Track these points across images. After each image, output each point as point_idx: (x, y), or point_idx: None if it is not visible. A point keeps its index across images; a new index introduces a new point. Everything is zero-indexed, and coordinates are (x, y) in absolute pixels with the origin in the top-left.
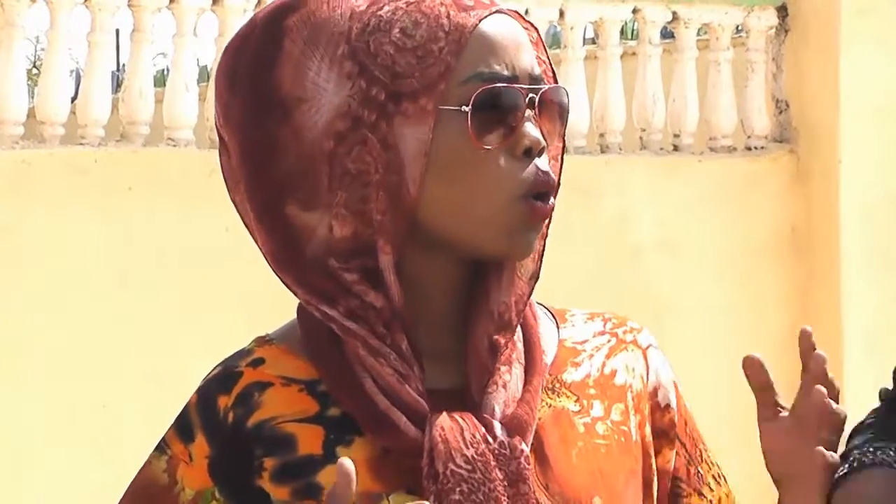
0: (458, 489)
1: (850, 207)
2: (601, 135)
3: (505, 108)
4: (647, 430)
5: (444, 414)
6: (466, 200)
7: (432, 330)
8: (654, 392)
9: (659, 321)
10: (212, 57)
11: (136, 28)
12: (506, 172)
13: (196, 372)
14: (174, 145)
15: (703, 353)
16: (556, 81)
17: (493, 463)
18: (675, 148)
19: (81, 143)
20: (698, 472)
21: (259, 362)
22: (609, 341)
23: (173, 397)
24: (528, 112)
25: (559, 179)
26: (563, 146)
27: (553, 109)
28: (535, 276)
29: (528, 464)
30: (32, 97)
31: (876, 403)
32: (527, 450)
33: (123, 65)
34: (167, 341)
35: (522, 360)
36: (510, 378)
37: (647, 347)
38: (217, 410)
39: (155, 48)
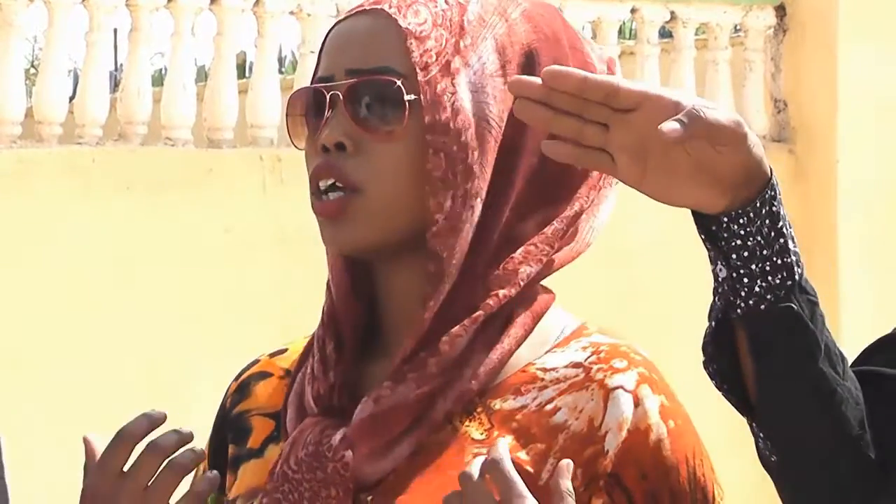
0: (280, 487)
1: (848, 206)
2: None
3: (307, 108)
4: (577, 473)
5: (315, 417)
6: None
7: (393, 335)
8: (603, 437)
9: (655, 321)
10: (209, 56)
11: (133, 27)
12: (310, 171)
13: (194, 371)
14: (172, 144)
15: (700, 353)
16: (439, 71)
17: (315, 464)
18: None
19: (79, 143)
20: None
21: (281, 352)
22: (576, 376)
23: (173, 396)
24: (338, 109)
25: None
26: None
27: (367, 102)
28: (452, 280)
29: (346, 469)
30: (30, 97)
31: None
32: (348, 456)
33: (121, 64)
34: (166, 341)
35: (421, 378)
36: (388, 394)
37: (614, 389)
38: (227, 395)
39: (153, 48)
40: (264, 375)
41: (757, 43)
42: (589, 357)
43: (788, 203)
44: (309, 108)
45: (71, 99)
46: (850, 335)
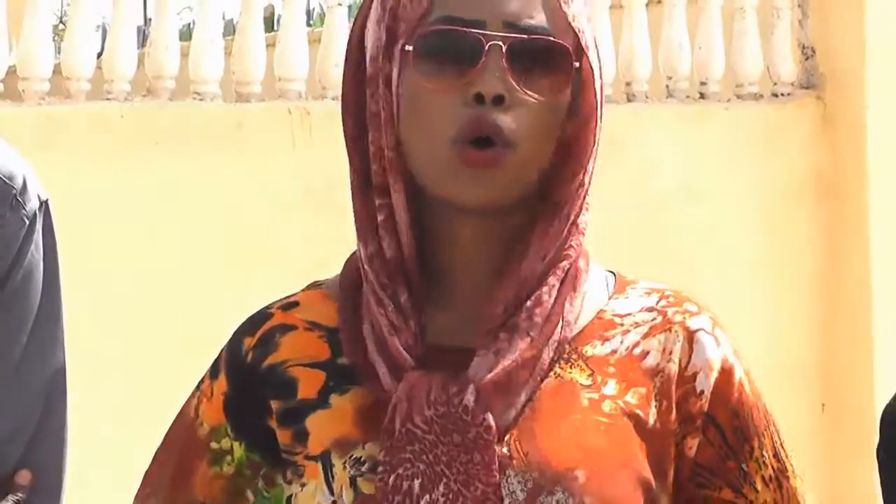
0: (409, 448)
1: (878, 153)
2: (627, 84)
3: (454, 51)
4: (674, 415)
5: (420, 371)
6: (418, 140)
7: (461, 286)
8: (693, 377)
9: (684, 270)
10: (237, 10)
11: None
12: (448, 116)
13: (227, 327)
14: (200, 99)
15: (732, 300)
16: (574, 36)
17: (451, 427)
18: (702, 96)
19: (107, 98)
20: (741, 468)
21: (292, 305)
22: (654, 319)
23: (206, 354)
24: (493, 59)
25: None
26: (576, 102)
27: (531, 62)
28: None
29: (489, 433)
30: (58, 53)
31: None
32: (490, 419)
33: (149, 19)
34: (197, 297)
35: (531, 328)
36: (507, 346)
37: (697, 331)
38: (241, 350)
39: (180, 2)
40: (287, 328)
41: None
42: (659, 301)
43: (817, 150)
44: (450, 50)
45: (99, 55)
46: (883, 288)
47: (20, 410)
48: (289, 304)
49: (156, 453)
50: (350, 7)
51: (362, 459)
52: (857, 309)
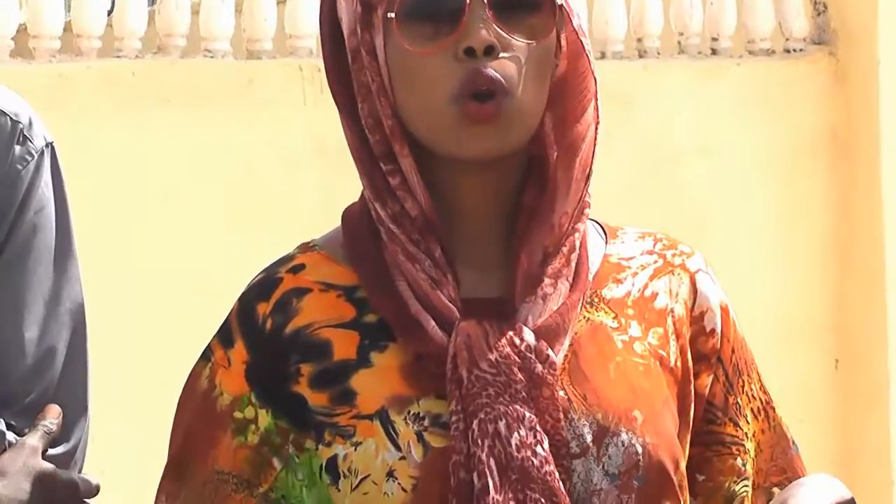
0: (483, 393)
1: (890, 108)
2: (639, 39)
3: (436, 11)
4: (689, 355)
5: (472, 320)
6: (416, 105)
7: (474, 239)
8: (701, 317)
9: (698, 227)
10: None
11: None
12: (443, 74)
13: (236, 284)
14: (211, 56)
15: (745, 257)
16: None
17: (517, 367)
18: (714, 52)
19: (118, 56)
20: (737, 402)
21: (300, 268)
22: (656, 262)
23: (215, 310)
24: (476, 12)
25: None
26: (565, 44)
27: (513, 9)
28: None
29: (554, 369)
30: (68, 10)
31: None
32: (553, 355)
33: None
34: (209, 254)
35: (570, 274)
36: (552, 291)
37: (696, 272)
38: (256, 317)
39: None
40: (303, 291)
41: None
42: (656, 244)
43: (830, 106)
44: (431, 9)
45: (109, 12)
46: (895, 242)
47: (49, 341)
48: (295, 267)
49: (172, 433)
50: None
51: (421, 415)
52: (870, 265)
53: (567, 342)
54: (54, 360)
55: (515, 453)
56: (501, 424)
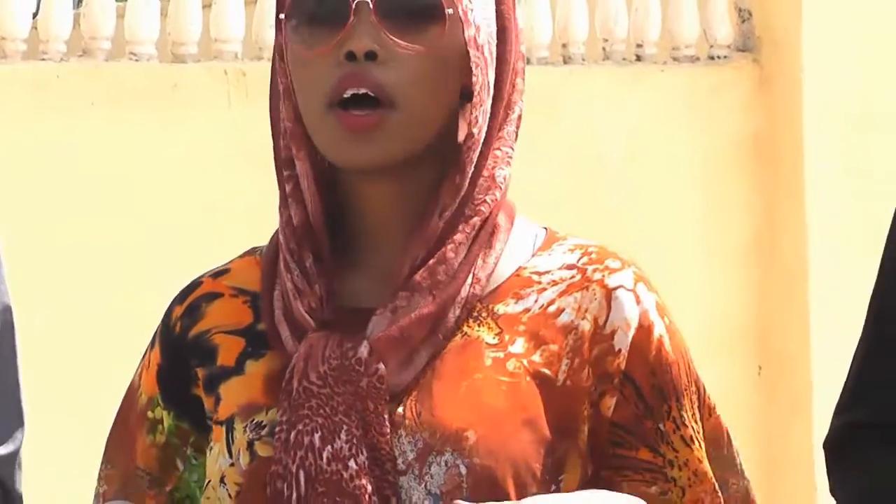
0: (307, 404)
1: (814, 116)
2: (563, 45)
3: (324, 15)
4: (587, 373)
5: (324, 332)
6: (304, 110)
7: (377, 247)
8: (611, 335)
9: (623, 233)
10: None
11: None
12: (324, 77)
13: (162, 286)
14: (136, 60)
15: (669, 263)
16: None
17: (344, 378)
18: (638, 58)
19: (43, 59)
20: (658, 428)
21: (222, 273)
22: (573, 277)
23: (144, 312)
24: (362, 17)
25: (417, 79)
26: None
27: (401, 16)
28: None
29: (381, 383)
30: None
31: (841, 310)
32: (382, 369)
33: None
34: (131, 256)
35: (434, 286)
36: (405, 304)
37: (615, 288)
38: (171, 320)
39: None
40: (214, 296)
41: None
42: (581, 258)
43: (754, 114)
44: (321, 13)
45: (34, 15)
46: (819, 250)
47: None
48: (219, 272)
49: (113, 423)
50: None
51: (263, 423)
52: (793, 272)
53: (424, 357)
54: None
55: (325, 466)
56: (316, 436)
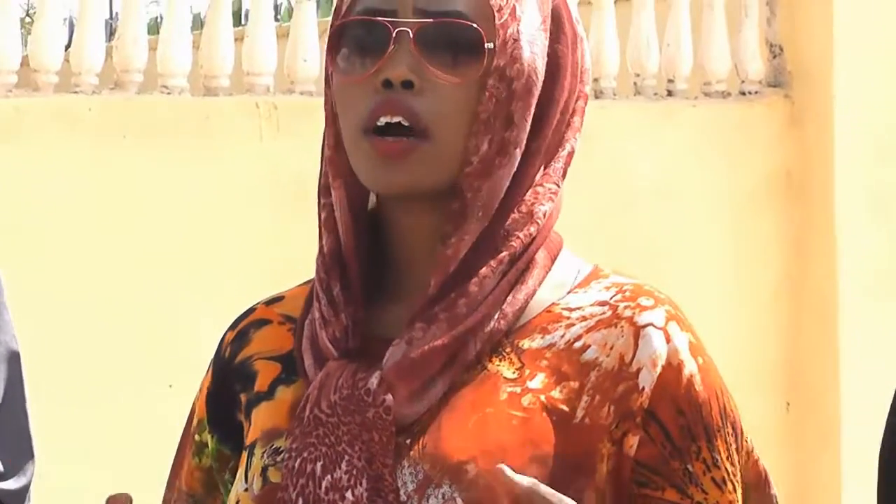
0: (314, 433)
1: (845, 152)
2: (595, 80)
3: (365, 43)
4: (607, 410)
5: (339, 361)
6: (344, 137)
7: (412, 275)
8: (636, 373)
9: (654, 267)
10: (205, 4)
11: None
12: (361, 107)
13: (192, 320)
14: (168, 93)
15: (698, 298)
16: (509, 16)
17: (352, 408)
18: (670, 93)
19: (75, 91)
20: (686, 469)
21: (276, 300)
22: (603, 313)
23: (172, 346)
24: (402, 46)
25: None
26: (494, 82)
27: (441, 46)
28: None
29: (388, 413)
30: (26, 45)
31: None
32: (389, 399)
33: (117, 13)
34: (163, 289)
35: (453, 318)
36: (421, 336)
37: (645, 326)
38: (223, 345)
39: None
40: (263, 322)
41: None
42: (614, 296)
43: (785, 149)
44: (363, 40)
45: (67, 47)
46: (850, 286)
47: None
48: (273, 300)
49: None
50: (318, 2)
51: (280, 449)
52: (823, 308)
53: (440, 390)
54: None
55: (323, 495)
56: (318, 465)
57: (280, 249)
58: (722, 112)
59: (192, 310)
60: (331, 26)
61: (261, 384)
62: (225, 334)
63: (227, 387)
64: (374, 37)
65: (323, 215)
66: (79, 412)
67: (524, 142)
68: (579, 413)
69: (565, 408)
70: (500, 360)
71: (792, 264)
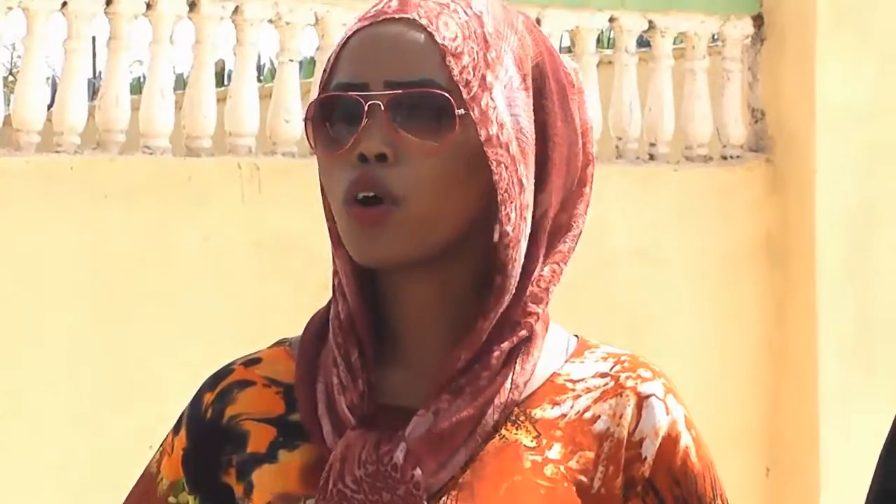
0: None
1: (826, 216)
2: None
3: (340, 117)
4: (619, 481)
5: (360, 430)
6: (332, 207)
7: (419, 343)
8: (639, 443)
9: (634, 331)
10: (188, 64)
11: (112, 35)
12: (341, 180)
13: (171, 380)
14: (150, 153)
15: (678, 362)
16: (479, 88)
17: (380, 485)
18: (651, 157)
19: (57, 151)
20: None
21: (254, 362)
22: (606, 384)
23: (150, 405)
24: (375, 119)
25: (433, 179)
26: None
27: (413, 114)
28: (515, 293)
29: (418, 489)
30: (8, 104)
31: (851, 412)
32: (418, 475)
33: (100, 72)
34: (146, 351)
35: (477, 390)
36: (447, 406)
37: (647, 397)
38: (201, 405)
39: (131, 55)
40: (246, 383)
41: (735, 52)
42: (613, 367)
43: (766, 214)
44: (338, 115)
45: (49, 107)
46: (829, 351)
47: None
48: (251, 361)
49: None
50: (301, 63)
51: None
52: (803, 373)
53: (463, 459)
54: None
55: None
56: None
57: (261, 310)
58: (703, 176)
59: (172, 368)
60: (310, 103)
61: (255, 446)
62: (201, 394)
63: (211, 447)
64: (347, 111)
65: (335, 282)
66: (50, 469)
67: (532, 204)
68: (596, 484)
69: (584, 479)
70: (517, 429)
71: (772, 329)
